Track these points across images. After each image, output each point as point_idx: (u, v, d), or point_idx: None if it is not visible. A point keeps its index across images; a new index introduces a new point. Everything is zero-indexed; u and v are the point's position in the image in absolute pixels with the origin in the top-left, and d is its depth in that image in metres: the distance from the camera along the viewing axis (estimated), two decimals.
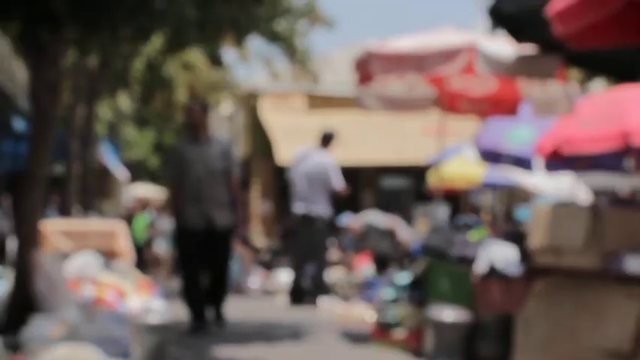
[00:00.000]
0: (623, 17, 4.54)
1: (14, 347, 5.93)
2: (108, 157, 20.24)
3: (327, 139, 10.96)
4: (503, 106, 8.40)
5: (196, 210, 7.96)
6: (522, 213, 12.03)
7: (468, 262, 7.06)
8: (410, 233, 12.31)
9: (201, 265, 8.11)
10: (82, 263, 7.98)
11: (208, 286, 8.17)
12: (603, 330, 5.47)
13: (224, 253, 8.19)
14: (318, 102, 20.49)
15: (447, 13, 79.72)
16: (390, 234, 12.38)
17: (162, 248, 19.32)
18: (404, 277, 7.94)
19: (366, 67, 7.39)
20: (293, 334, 8.28)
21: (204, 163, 8.01)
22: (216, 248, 8.07)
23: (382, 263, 12.02)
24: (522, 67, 6.68)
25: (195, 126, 8.13)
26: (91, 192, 16.23)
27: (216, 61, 14.77)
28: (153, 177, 28.33)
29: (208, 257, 8.10)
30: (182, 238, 8.13)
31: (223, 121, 24.32)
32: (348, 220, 13.37)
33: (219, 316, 8.27)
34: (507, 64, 6.75)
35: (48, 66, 7.00)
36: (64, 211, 14.11)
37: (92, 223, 10.78)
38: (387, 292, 7.90)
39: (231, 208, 8.09)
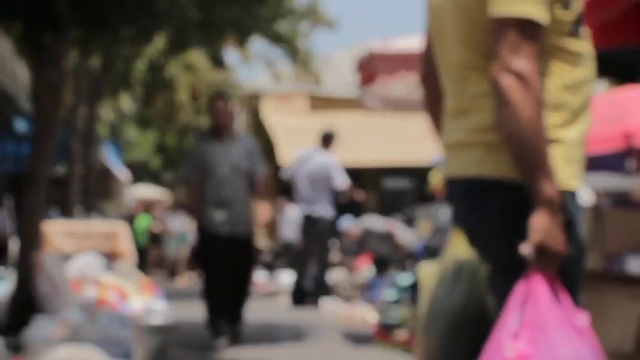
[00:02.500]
0: (625, 19, 4.55)
1: (16, 348, 5.93)
2: (110, 158, 20.26)
3: (327, 139, 10.96)
4: None
5: (221, 214, 7.45)
6: None
7: None
8: (411, 234, 12.30)
9: (225, 272, 7.53)
10: (84, 264, 7.98)
11: (227, 293, 7.59)
12: (605, 331, 5.46)
13: (248, 262, 7.68)
14: (320, 103, 20.50)
15: None
16: (388, 237, 12.36)
17: (170, 249, 19.37)
18: (406, 279, 7.94)
19: (368, 68, 7.40)
20: (295, 335, 8.28)
21: (229, 163, 7.49)
22: (240, 255, 7.54)
23: (383, 266, 12.03)
24: None
25: (220, 123, 7.58)
26: (93, 193, 16.26)
27: (218, 62, 14.80)
28: (155, 178, 28.35)
29: (231, 264, 7.52)
30: (206, 243, 7.57)
31: None
32: (348, 225, 13.36)
33: (234, 329, 7.56)
34: None
35: (50, 67, 7.01)
36: (66, 212, 14.12)
37: (94, 224, 10.79)
38: (389, 294, 7.89)
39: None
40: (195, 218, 7.64)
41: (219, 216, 7.44)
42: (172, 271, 19.31)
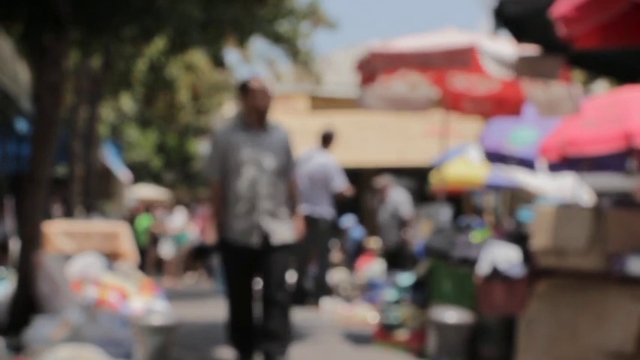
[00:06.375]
0: (626, 19, 4.55)
1: (17, 348, 5.94)
2: (110, 158, 20.27)
3: (327, 139, 10.98)
4: (507, 106, 8.40)
5: (250, 221, 6.14)
6: (525, 214, 12.04)
7: (470, 263, 7.06)
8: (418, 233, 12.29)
9: (251, 288, 6.27)
10: (85, 264, 7.99)
11: (262, 321, 6.18)
12: (606, 331, 5.47)
13: (282, 278, 6.19)
14: (321, 103, 20.50)
15: (449, 16, 79.76)
16: (403, 224, 12.30)
17: (168, 250, 19.34)
18: (406, 279, 7.94)
19: (368, 68, 7.39)
20: (295, 335, 8.28)
21: (260, 160, 6.22)
22: (272, 270, 6.15)
23: (389, 256, 12.07)
24: (525, 67, 6.68)
25: (255, 110, 6.32)
26: (94, 193, 16.26)
27: (218, 62, 14.78)
28: (155, 178, 28.35)
29: (263, 281, 6.22)
30: (230, 256, 6.24)
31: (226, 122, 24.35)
32: (385, 182, 12.82)
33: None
34: (510, 64, 6.74)
35: (51, 67, 7.02)
36: (67, 213, 14.13)
37: (95, 225, 10.79)
38: (389, 294, 7.90)
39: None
40: (216, 224, 6.25)
41: (246, 224, 6.16)
42: (164, 271, 19.26)
